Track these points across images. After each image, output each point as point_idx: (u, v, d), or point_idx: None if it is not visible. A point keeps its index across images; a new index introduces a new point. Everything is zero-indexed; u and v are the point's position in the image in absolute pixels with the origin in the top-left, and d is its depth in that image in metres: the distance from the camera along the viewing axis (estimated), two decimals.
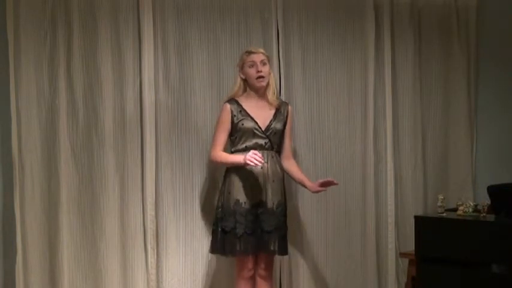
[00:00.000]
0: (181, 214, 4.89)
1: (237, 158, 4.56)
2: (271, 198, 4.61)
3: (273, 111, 4.69)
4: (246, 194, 4.57)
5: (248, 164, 4.43)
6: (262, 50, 4.68)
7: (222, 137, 4.64)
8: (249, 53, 4.64)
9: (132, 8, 4.76)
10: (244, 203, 4.56)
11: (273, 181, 4.63)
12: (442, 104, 5.58)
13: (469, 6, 5.59)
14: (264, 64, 4.63)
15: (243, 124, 4.62)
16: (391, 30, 5.38)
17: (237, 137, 4.65)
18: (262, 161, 4.46)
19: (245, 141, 4.63)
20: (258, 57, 4.62)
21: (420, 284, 4.63)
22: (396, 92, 5.43)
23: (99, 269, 4.68)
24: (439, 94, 5.58)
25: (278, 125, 4.68)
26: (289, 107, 4.80)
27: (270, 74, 4.67)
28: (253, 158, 4.40)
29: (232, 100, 4.68)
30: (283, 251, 4.70)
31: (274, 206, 4.62)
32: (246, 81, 4.68)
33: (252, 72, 4.62)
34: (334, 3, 5.23)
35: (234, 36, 5.00)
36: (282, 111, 4.72)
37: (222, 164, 4.68)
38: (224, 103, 4.69)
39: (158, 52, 4.82)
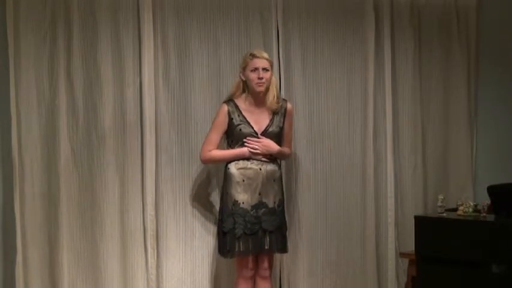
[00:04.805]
0: (181, 214, 4.89)
1: (240, 151, 4.59)
2: (272, 198, 4.62)
3: (270, 116, 4.69)
4: (245, 195, 4.57)
5: (252, 154, 4.57)
6: (266, 56, 4.67)
7: (216, 137, 4.64)
8: (253, 56, 4.63)
9: (132, 8, 4.77)
10: (243, 203, 4.56)
11: (273, 181, 4.64)
12: (442, 104, 5.58)
13: (469, 6, 5.59)
14: (266, 71, 4.63)
15: (240, 130, 4.63)
16: (391, 30, 5.38)
17: (233, 141, 4.66)
18: (259, 145, 4.61)
19: (242, 145, 4.63)
20: (261, 63, 4.62)
21: (420, 284, 4.63)
22: (396, 92, 5.43)
23: (99, 269, 4.68)
24: (439, 94, 5.57)
25: (275, 129, 4.68)
26: (288, 105, 4.79)
27: (270, 79, 4.67)
28: (253, 147, 4.57)
29: (230, 101, 4.68)
30: (284, 249, 4.72)
31: (276, 205, 4.63)
32: (245, 83, 4.68)
33: (253, 76, 4.62)
34: (334, 3, 5.22)
35: (234, 36, 5.00)
36: (280, 113, 4.72)
37: (219, 161, 4.68)
38: (222, 103, 4.69)
39: (158, 52, 4.82)
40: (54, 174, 4.61)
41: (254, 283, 4.67)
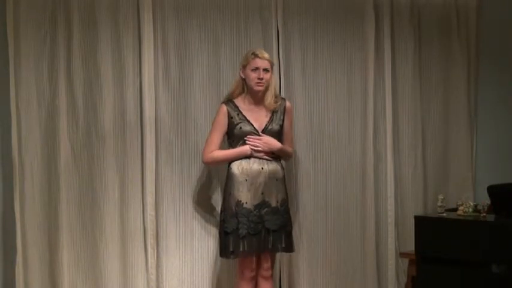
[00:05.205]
0: (181, 214, 4.89)
1: (241, 149, 4.59)
2: (275, 197, 4.62)
3: (269, 114, 4.70)
4: (248, 195, 4.57)
5: (254, 151, 4.56)
6: (267, 56, 4.68)
7: (217, 138, 4.65)
8: (255, 56, 4.63)
9: (132, 8, 4.77)
10: (246, 203, 4.56)
11: (276, 180, 4.64)
12: (442, 104, 5.58)
13: (469, 6, 5.59)
14: (267, 71, 4.64)
15: (240, 128, 4.63)
16: (391, 30, 5.38)
17: (234, 140, 4.66)
18: (261, 142, 4.58)
19: (243, 144, 4.63)
20: (262, 64, 4.62)
21: (420, 284, 4.63)
22: (396, 92, 5.43)
23: (99, 269, 4.68)
24: (439, 94, 5.58)
25: (275, 126, 4.69)
26: (287, 103, 4.80)
27: (270, 80, 4.67)
28: (255, 144, 4.56)
29: (229, 101, 4.69)
30: (290, 248, 4.72)
31: (279, 205, 4.63)
32: (245, 81, 4.69)
33: (253, 76, 4.62)
34: (334, 3, 5.23)
35: (234, 36, 5.00)
36: (279, 111, 4.73)
37: (221, 161, 4.68)
38: (221, 104, 4.70)
39: (158, 52, 4.83)
40: (54, 174, 4.61)
41: (256, 284, 4.67)
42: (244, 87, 4.70)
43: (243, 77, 4.68)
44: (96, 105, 4.69)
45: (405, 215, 5.39)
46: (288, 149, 4.78)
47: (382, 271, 5.37)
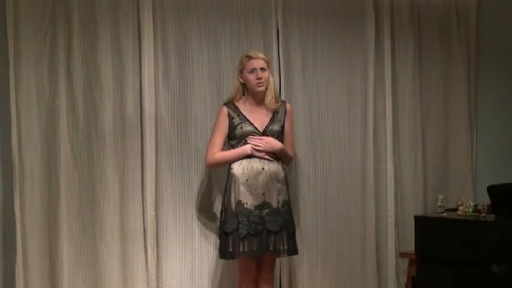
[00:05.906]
0: (181, 214, 4.89)
1: (242, 149, 4.58)
2: (276, 198, 4.61)
3: (270, 115, 4.70)
4: (248, 195, 4.56)
5: (255, 151, 4.55)
6: (262, 55, 4.68)
7: (219, 140, 4.64)
8: (249, 58, 4.63)
9: (132, 8, 4.77)
10: (246, 203, 4.55)
11: (277, 181, 4.63)
12: (442, 104, 5.58)
13: (469, 6, 5.59)
14: (264, 70, 4.64)
15: (241, 128, 4.63)
16: (391, 30, 5.38)
17: (235, 141, 4.65)
18: (262, 142, 4.57)
19: (244, 144, 4.63)
20: (258, 63, 4.62)
21: (420, 284, 4.64)
22: (396, 92, 5.43)
23: (99, 269, 4.68)
24: (439, 94, 5.58)
25: (276, 127, 4.68)
26: (288, 106, 4.80)
27: (269, 78, 4.67)
28: (256, 144, 4.55)
29: (230, 103, 4.69)
30: (293, 251, 4.69)
31: (280, 206, 4.62)
32: (244, 85, 4.68)
33: (251, 77, 4.62)
34: (334, 3, 5.23)
35: (234, 36, 5.00)
36: (280, 112, 4.73)
37: (223, 162, 4.67)
38: (221, 106, 4.70)
39: (158, 52, 4.83)
40: (54, 174, 4.61)
41: (256, 286, 4.66)
42: (244, 91, 4.70)
43: (242, 81, 4.68)
44: (96, 105, 4.69)
45: (405, 215, 5.39)
46: (289, 151, 4.77)
47: (382, 271, 5.37)
